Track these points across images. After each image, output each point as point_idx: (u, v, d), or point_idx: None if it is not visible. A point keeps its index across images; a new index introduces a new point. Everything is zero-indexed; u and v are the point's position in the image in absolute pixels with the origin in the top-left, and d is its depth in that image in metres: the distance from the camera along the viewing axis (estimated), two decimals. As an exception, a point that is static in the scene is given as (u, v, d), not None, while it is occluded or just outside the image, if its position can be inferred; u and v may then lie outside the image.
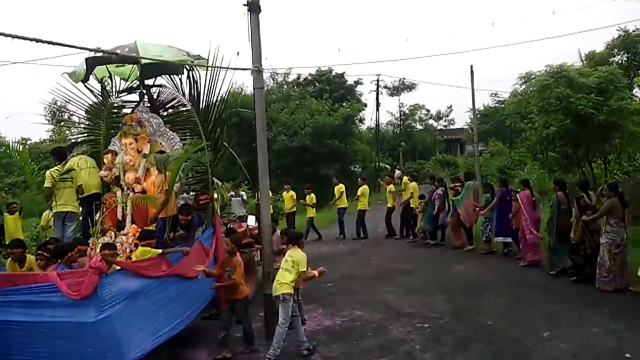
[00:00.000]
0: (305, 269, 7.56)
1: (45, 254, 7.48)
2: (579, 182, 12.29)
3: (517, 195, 12.78)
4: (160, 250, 7.43)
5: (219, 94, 10.06)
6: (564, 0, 66.22)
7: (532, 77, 18.55)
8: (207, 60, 9.88)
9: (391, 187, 17.98)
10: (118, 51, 8.96)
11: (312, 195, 18.17)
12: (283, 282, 7.46)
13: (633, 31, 24.24)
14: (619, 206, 9.86)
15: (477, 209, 14.33)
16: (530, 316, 8.61)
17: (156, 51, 9.42)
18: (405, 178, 17.64)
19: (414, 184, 17.12)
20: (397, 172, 20.03)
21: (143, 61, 9.20)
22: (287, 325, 7.36)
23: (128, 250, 8.02)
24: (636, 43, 24.89)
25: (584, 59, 26.08)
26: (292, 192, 18.33)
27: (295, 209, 18.25)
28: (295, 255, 7.59)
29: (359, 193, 18.00)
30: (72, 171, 9.07)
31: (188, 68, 9.94)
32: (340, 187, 18.30)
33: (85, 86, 10.23)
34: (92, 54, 9.04)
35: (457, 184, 15.69)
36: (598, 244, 10.10)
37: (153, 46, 9.58)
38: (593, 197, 10.74)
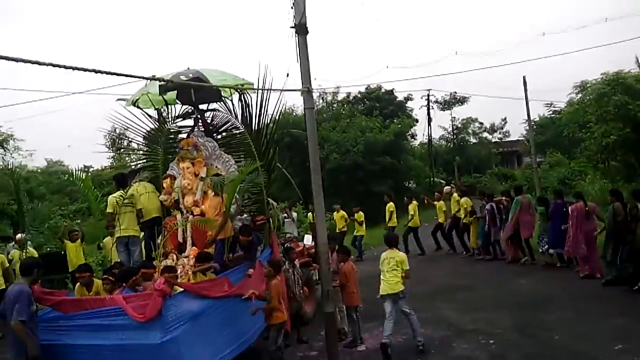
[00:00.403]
0: (408, 267, 8.32)
1: (110, 278, 7.71)
2: (632, 190, 11.95)
3: (570, 208, 12.59)
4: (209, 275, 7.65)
5: (270, 115, 10.22)
6: (615, 7, 64.43)
7: (588, 85, 18.17)
8: (257, 83, 10.05)
9: (441, 204, 17.71)
10: (182, 77, 9.26)
11: (361, 213, 18.11)
12: (396, 281, 8.21)
13: (692, 36, 23.50)
14: None
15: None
16: (598, 329, 8.32)
17: (218, 77, 9.69)
18: (455, 195, 17.38)
19: (465, 199, 16.82)
20: (447, 187, 19.68)
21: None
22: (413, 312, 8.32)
23: (190, 272, 8.17)
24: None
25: (640, 65, 25.36)
26: (342, 212, 18.30)
27: (346, 229, 18.21)
28: (397, 256, 8.43)
29: (410, 212, 17.82)
30: (132, 197, 9.33)
31: (240, 92, 10.13)
32: (390, 206, 18.09)
33: (143, 112, 10.59)
34: (148, 81, 9.40)
35: (504, 198, 15.48)
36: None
37: (211, 71, 9.84)
38: None
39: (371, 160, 30.19)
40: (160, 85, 9.59)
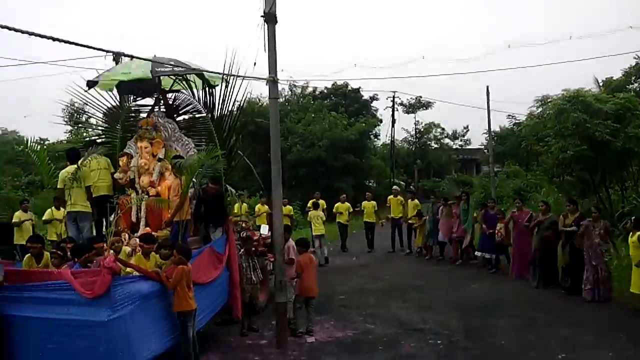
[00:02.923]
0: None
1: (59, 252, 7.49)
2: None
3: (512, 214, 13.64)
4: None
5: (234, 102, 10.10)
6: (581, 26, 66.11)
7: (549, 100, 18.50)
8: (223, 69, 9.91)
9: (373, 203, 18.21)
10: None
11: (289, 206, 18.10)
12: (322, 227, 15.62)
13: (649, 59, 24.20)
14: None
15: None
16: (544, 338, 8.46)
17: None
18: (399, 197, 18.04)
19: (415, 201, 17.64)
20: (395, 187, 19.98)
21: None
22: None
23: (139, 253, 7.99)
24: (652, 71, 24.82)
25: (601, 85, 25.99)
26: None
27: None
28: (320, 213, 15.95)
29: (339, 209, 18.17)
30: (80, 172, 9.07)
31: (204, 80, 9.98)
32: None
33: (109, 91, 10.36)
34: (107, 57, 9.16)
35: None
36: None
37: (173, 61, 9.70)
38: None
39: (335, 156, 30.15)
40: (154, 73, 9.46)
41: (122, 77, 9.64)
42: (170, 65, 9.49)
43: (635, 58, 24.36)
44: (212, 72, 9.82)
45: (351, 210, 18.37)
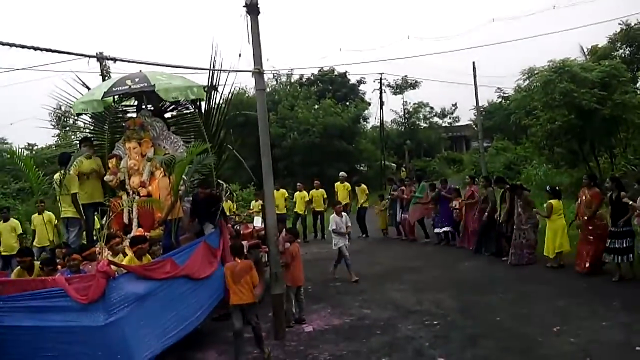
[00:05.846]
0: None
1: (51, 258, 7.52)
2: (495, 178, 14.46)
3: (471, 188, 14.35)
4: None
5: (221, 96, 10.09)
6: (565, -5, 65.86)
7: (535, 72, 18.53)
8: (209, 63, 9.86)
9: (322, 191, 18.17)
10: (128, 81, 9.12)
11: (321, 190, 18.23)
12: None
13: (635, 24, 24.12)
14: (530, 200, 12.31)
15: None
16: (539, 311, 8.57)
17: (164, 80, 9.42)
18: (346, 184, 18.03)
19: (362, 186, 18.20)
20: (342, 173, 19.64)
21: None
22: None
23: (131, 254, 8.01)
24: (638, 36, 24.77)
25: (587, 53, 25.98)
26: (304, 193, 18.19)
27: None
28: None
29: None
30: (66, 178, 8.99)
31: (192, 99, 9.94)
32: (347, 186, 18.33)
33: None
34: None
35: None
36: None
37: (161, 75, 9.58)
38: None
39: (328, 142, 30.19)
40: (105, 92, 9.38)
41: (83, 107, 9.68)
42: (128, 84, 9.30)
43: (620, 24, 24.33)
44: (190, 67, 9.72)
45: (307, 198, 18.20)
